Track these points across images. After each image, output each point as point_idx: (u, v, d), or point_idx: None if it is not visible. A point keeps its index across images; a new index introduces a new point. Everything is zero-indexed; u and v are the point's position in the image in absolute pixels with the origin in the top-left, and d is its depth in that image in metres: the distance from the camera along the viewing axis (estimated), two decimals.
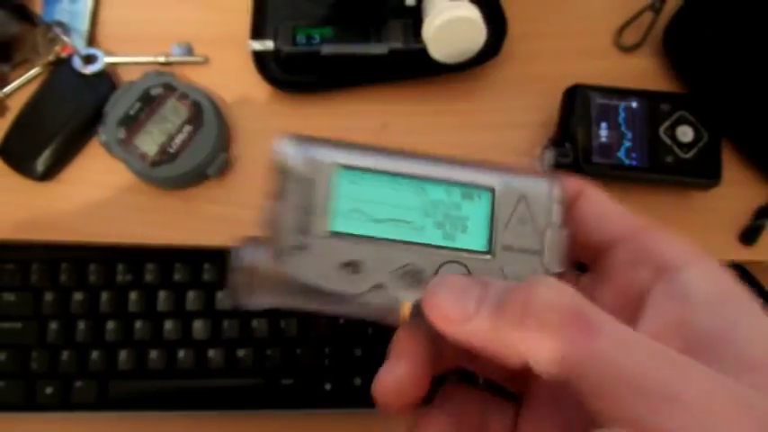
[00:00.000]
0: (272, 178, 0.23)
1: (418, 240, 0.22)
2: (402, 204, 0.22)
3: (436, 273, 0.21)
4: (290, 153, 0.23)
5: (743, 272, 0.51)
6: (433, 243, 0.22)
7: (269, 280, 0.21)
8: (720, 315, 0.18)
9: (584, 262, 0.23)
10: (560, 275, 0.21)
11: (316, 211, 0.21)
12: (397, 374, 0.21)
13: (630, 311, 0.20)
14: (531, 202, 0.22)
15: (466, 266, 0.22)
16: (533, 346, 0.17)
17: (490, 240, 0.22)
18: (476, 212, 0.22)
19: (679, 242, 0.21)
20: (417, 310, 0.21)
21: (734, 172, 0.43)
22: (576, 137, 0.40)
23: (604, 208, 0.22)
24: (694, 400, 0.15)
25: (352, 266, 0.21)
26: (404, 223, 0.22)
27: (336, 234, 0.21)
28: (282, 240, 0.21)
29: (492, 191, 0.22)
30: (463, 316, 0.18)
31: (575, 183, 0.23)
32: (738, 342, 0.17)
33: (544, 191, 0.22)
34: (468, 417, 0.23)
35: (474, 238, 0.22)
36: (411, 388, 0.22)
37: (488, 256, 0.21)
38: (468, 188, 0.22)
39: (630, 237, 0.21)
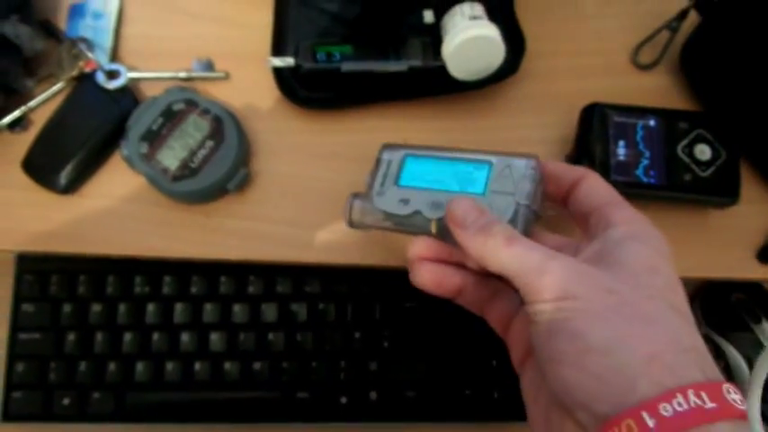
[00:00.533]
0: (373, 164, 0.39)
1: (444, 189, 0.36)
2: (439, 172, 0.37)
3: None
4: (387, 153, 0.39)
5: (759, 290, 0.51)
6: (453, 190, 0.36)
7: (366, 211, 0.38)
8: (619, 248, 0.29)
9: (579, 227, 0.34)
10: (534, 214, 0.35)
11: (391, 176, 0.38)
12: (426, 243, 0.35)
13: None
14: (513, 169, 0.35)
15: None
16: (487, 249, 0.30)
17: (485, 188, 0.35)
18: (480, 175, 0.36)
19: (627, 211, 0.31)
20: (440, 227, 0.35)
21: (751, 190, 0.43)
22: (593, 155, 0.40)
23: (594, 188, 0.33)
24: (557, 271, 0.27)
25: (404, 201, 0.37)
26: (437, 182, 0.37)
27: (400, 186, 0.37)
28: (373, 190, 0.38)
29: (491, 163, 0.36)
30: (464, 220, 0.31)
31: (581, 170, 0.34)
32: (621, 259, 0.28)
33: (523, 163, 0.35)
34: (482, 287, 0.35)
35: (477, 188, 0.36)
36: (436, 252, 0.35)
37: (483, 196, 0.35)
38: (478, 163, 0.36)
39: (600, 207, 0.32)
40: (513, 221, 0.33)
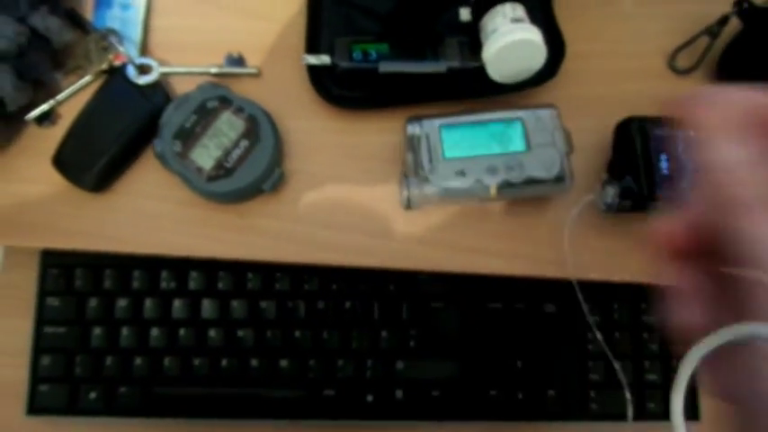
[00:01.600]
0: (405, 143, 0.41)
1: (490, 152, 0.39)
2: (477, 137, 0.40)
3: (504, 166, 0.39)
4: (413, 127, 0.40)
5: None
6: (498, 152, 0.39)
7: (422, 193, 0.39)
8: None
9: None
10: None
11: (435, 150, 0.39)
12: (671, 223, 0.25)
13: None
14: (543, 120, 0.40)
15: (518, 160, 0.40)
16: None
17: (526, 143, 0.40)
18: (515, 132, 0.40)
19: None
20: (500, 189, 0.39)
21: None
22: (637, 170, 0.40)
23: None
24: None
25: (460, 173, 0.39)
26: (480, 147, 0.40)
27: (448, 159, 0.39)
28: (423, 170, 0.39)
29: (521, 119, 0.40)
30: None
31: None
32: None
33: (549, 113, 0.40)
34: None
35: (518, 145, 0.40)
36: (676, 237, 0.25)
37: (528, 152, 0.39)
38: (508, 121, 0.40)
39: None
40: (561, 169, 0.39)
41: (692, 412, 0.50)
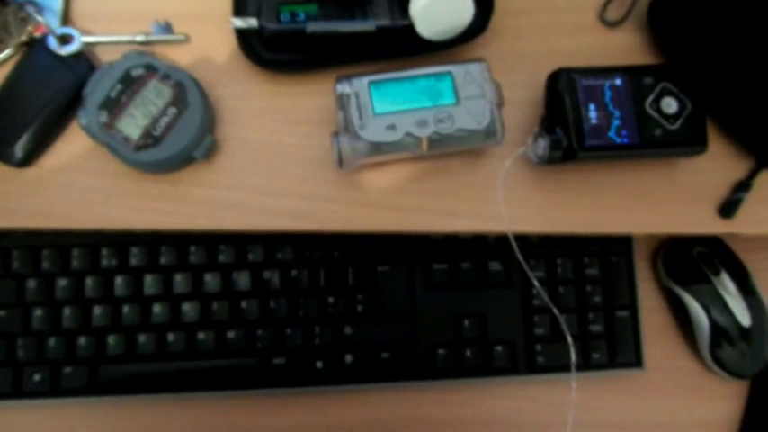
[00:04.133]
0: (336, 102, 0.40)
1: (420, 106, 0.40)
2: (406, 92, 0.40)
3: (434, 118, 0.39)
4: (342, 86, 0.40)
5: (719, 243, 0.53)
6: (428, 106, 0.40)
7: (354, 149, 0.39)
8: None
9: None
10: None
11: (365, 107, 0.39)
12: None
13: None
14: (473, 74, 0.40)
15: (448, 112, 0.40)
16: None
17: (456, 96, 0.40)
18: (445, 86, 0.40)
19: None
20: (430, 142, 0.39)
21: (714, 146, 0.44)
22: (566, 122, 0.40)
23: None
24: None
25: (390, 127, 0.39)
26: (410, 101, 0.40)
27: (378, 114, 0.39)
28: (354, 126, 0.39)
29: (450, 73, 0.40)
30: None
31: None
32: None
33: (479, 66, 0.41)
34: None
35: (447, 98, 0.40)
36: None
37: (457, 105, 0.40)
38: (438, 75, 0.40)
39: None
40: (491, 120, 0.39)
41: (636, 360, 0.51)
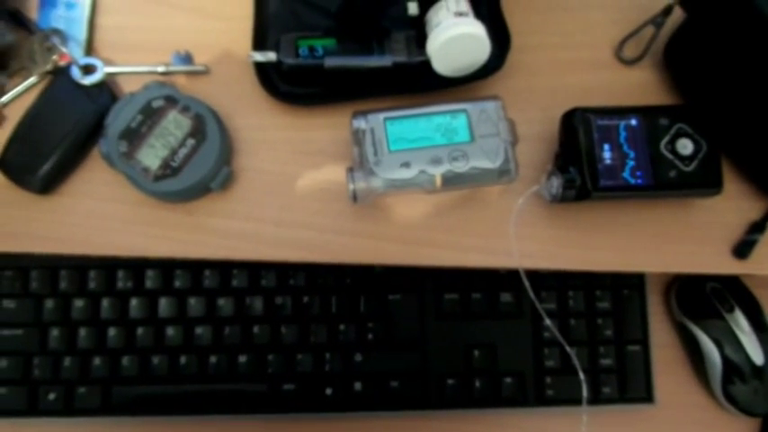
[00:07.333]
0: (351, 137, 0.41)
1: (434, 144, 0.40)
2: (421, 129, 0.40)
3: (449, 156, 0.40)
4: (358, 122, 0.41)
5: (733, 279, 0.53)
6: (442, 143, 0.40)
7: (369, 185, 0.40)
8: None
9: None
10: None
11: (380, 143, 0.40)
12: None
13: None
14: (488, 112, 0.40)
15: (463, 150, 0.40)
16: None
17: (471, 134, 0.40)
18: (460, 124, 0.40)
19: None
20: (444, 179, 0.40)
21: (729, 186, 0.44)
22: (580, 161, 0.40)
23: None
24: None
25: (405, 164, 0.40)
26: (424, 139, 0.40)
27: (393, 151, 0.40)
28: (369, 163, 0.40)
29: (466, 111, 0.41)
30: None
31: None
32: None
33: (494, 105, 0.41)
34: None
35: (462, 136, 0.40)
36: None
37: (472, 143, 0.40)
38: (453, 113, 0.41)
39: None
40: (506, 159, 0.40)
41: (647, 395, 0.51)
